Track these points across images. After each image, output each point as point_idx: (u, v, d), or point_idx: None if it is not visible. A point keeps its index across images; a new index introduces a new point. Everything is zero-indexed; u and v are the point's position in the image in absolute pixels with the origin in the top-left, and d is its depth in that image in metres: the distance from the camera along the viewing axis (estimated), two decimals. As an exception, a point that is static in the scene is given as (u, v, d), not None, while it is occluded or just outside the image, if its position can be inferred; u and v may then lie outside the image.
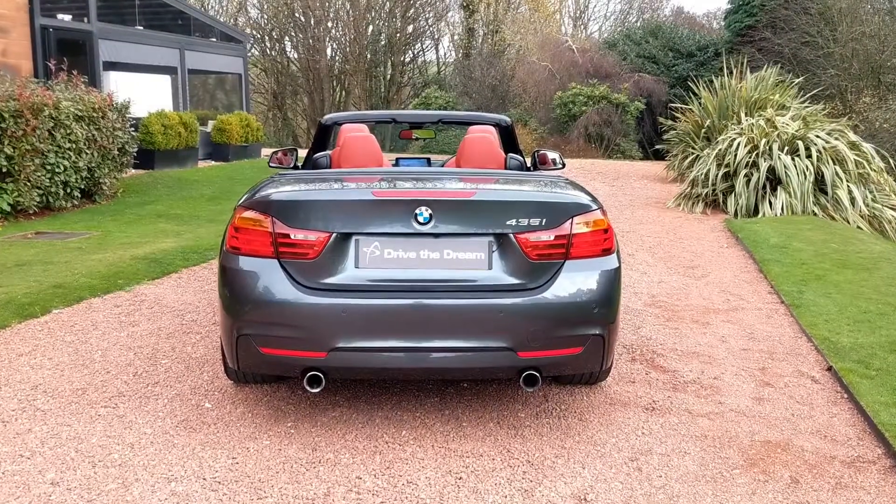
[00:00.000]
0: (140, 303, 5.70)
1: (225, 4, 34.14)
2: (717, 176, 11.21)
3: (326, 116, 5.25)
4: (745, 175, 10.92)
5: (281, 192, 3.37)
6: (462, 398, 3.83)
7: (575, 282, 3.24)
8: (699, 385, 4.09)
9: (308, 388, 3.21)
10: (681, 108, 15.86)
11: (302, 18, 31.97)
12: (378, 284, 3.19)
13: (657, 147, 18.39)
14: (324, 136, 5.25)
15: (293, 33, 32.98)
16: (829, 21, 22.57)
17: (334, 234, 3.19)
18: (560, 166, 5.25)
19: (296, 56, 33.43)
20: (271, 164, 5.15)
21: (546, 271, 3.24)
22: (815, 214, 10.33)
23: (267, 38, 33.41)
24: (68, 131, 10.40)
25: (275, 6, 32.23)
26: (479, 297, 3.18)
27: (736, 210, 10.79)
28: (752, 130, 11.49)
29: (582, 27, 35.17)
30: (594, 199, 3.44)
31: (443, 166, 5.64)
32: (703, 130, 14.44)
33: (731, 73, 14.98)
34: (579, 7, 36.05)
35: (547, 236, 3.24)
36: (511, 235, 3.22)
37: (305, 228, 3.19)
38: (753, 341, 4.90)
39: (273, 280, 3.17)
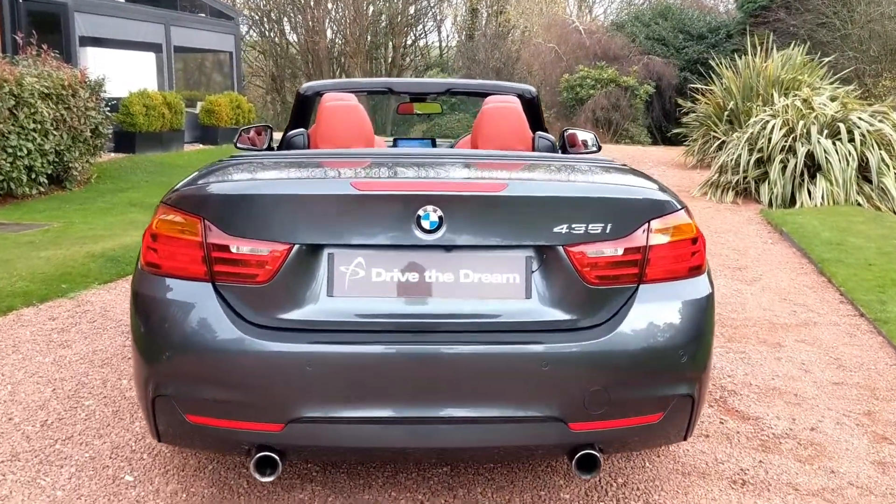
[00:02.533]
0: (81, 315, 4.68)
1: (222, -16, 32.99)
2: (748, 162, 10.16)
3: (305, 85, 4.20)
4: (781, 161, 9.86)
5: (220, 182, 2.35)
6: (481, 471, 2.82)
7: (653, 316, 2.21)
8: (795, 441, 3.07)
9: (257, 474, 2.18)
10: (701, 89, 14.78)
11: None
12: (362, 322, 2.17)
13: (675, 131, 17.34)
14: (303, 110, 4.20)
15: (292, 15, 31.84)
16: (847, 2, 21.58)
17: (297, 247, 2.15)
18: (595, 149, 4.23)
19: (295, 38, 32.34)
20: (238, 145, 4.14)
21: (611, 301, 2.21)
22: (858, 204, 9.29)
23: (265, 19, 32.30)
24: (32, 110, 9.35)
25: (273, -15, 31.10)
26: (513, 340, 2.15)
27: (770, 199, 9.74)
28: (786, 112, 10.42)
29: (587, 10, 33.98)
30: (675, 196, 2.40)
31: (453, 147, 4.59)
32: (727, 113, 13.38)
33: (756, 51, 13.89)
34: (584, -11, 34.86)
35: (612, 249, 2.20)
36: (560, 248, 2.18)
37: (254, 237, 2.15)
38: (844, 371, 3.88)
39: (204, 314, 2.14)
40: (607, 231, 2.20)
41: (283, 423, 2.11)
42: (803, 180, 9.72)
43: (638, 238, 2.23)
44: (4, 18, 11.69)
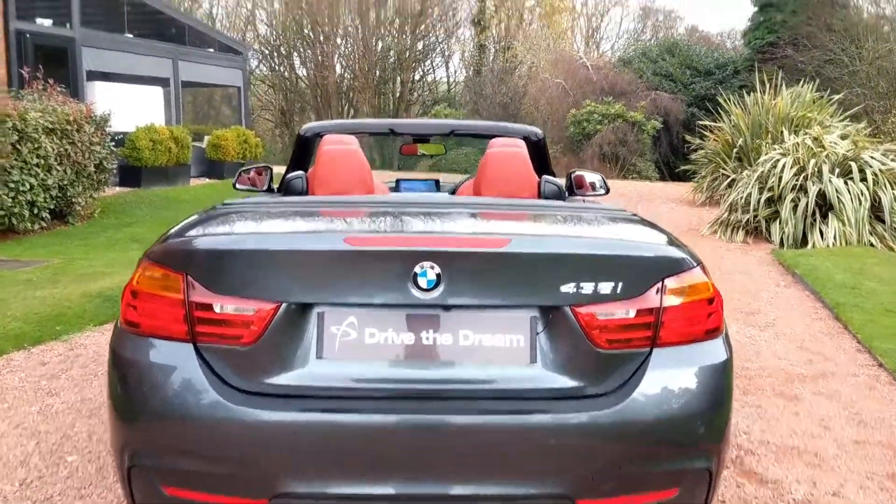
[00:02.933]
0: (73, 359, 4.54)
1: (233, 19, 33.31)
2: (759, 201, 10.01)
3: (306, 126, 4.08)
4: (792, 200, 9.72)
5: (205, 237, 2.21)
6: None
7: (667, 383, 2.05)
8: (818, 508, 2.89)
9: None
10: (709, 125, 14.69)
11: (311, 34, 31.06)
12: (352, 388, 2.01)
13: (683, 168, 17.24)
14: (303, 152, 4.08)
15: (302, 49, 32.09)
16: (854, 38, 21.58)
17: (284, 305, 2.00)
18: (603, 191, 4.10)
19: (304, 73, 32.55)
20: (238, 186, 4.03)
21: (622, 367, 2.05)
22: (872, 245, 9.13)
23: (275, 54, 32.56)
24: (36, 145, 9.30)
25: (283, 22, 31.35)
26: (516, 409, 1.99)
27: (781, 239, 9.58)
28: (797, 150, 10.30)
29: (594, 46, 34.17)
30: (690, 252, 2.26)
31: (455, 192, 4.46)
32: (735, 150, 13.28)
33: (764, 87, 13.82)
34: (591, 26, 35.11)
35: (623, 311, 2.05)
36: (567, 309, 2.03)
37: (239, 295, 2.01)
38: (865, 428, 3.70)
39: (185, 378, 1.99)
40: (618, 291, 2.05)
41: (266, 498, 1.95)
42: (815, 220, 9.57)
43: (651, 298, 2.07)
44: (11, 53, 11.71)
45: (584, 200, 3.81)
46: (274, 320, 1.99)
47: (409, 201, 2.67)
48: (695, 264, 2.18)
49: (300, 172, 3.57)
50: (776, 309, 6.18)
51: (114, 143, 11.27)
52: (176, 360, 2.02)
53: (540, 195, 3.41)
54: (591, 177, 4.16)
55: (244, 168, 4.17)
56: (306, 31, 31.22)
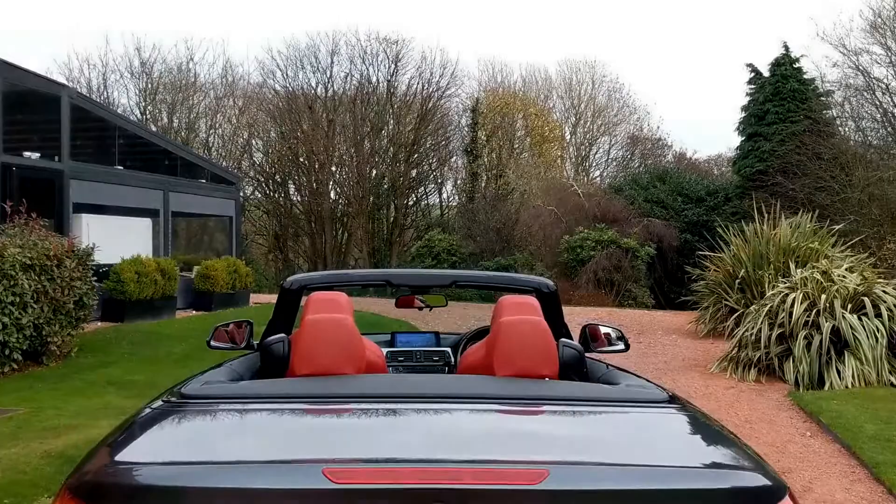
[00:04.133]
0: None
1: (230, 148, 33.74)
2: (769, 338, 9.56)
3: (291, 279, 3.63)
4: (805, 337, 9.27)
5: (139, 465, 1.72)
6: None
7: None
8: None
9: None
10: (710, 255, 14.44)
11: (306, 163, 31.39)
12: None
13: (684, 298, 16.90)
14: (287, 308, 3.62)
15: (296, 177, 32.37)
16: (844, 166, 21.82)
17: None
18: (621, 346, 3.66)
19: (298, 198, 32.71)
20: (213, 345, 3.58)
21: None
22: (892, 385, 8.63)
23: (270, 181, 32.80)
24: (12, 283, 8.87)
25: (279, 150, 31.74)
26: None
27: (796, 378, 9.08)
28: (805, 284, 9.94)
29: (584, 173, 34.63)
30: (777, 475, 1.78)
31: (463, 351, 3.99)
32: (738, 281, 12.96)
33: (763, 217, 13.65)
34: (580, 154, 35.70)
35: None
36: None
37: None
38: None
39: None
40: None
41: None
42: (830, 358, 9.10)
43: None
44: (-4, 186, 11.47)
45: (605, 367, 3.35)
46: None
47: (408, 392, 2.19)
48: (785, 492, 1.70)
49: (282, 336, 3.12)
50: (808, 467, 5.62)
51: (97, 276, 10.88)
52: None
53: (560, 363, 2.94)
54: (605, 328, 3.73)
55: (219, 325, 3.72)
56: (301, 159, 31.55)
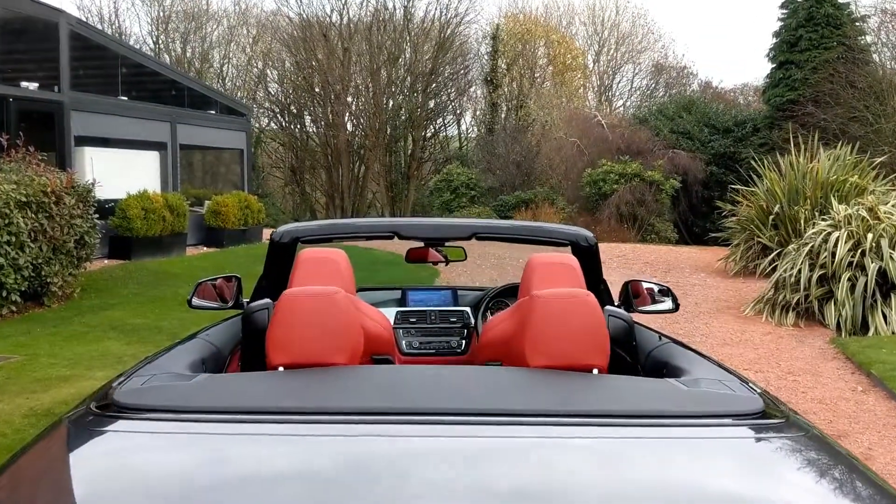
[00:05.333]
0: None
1: (245, 78, 32.92)
2: (810, 279, 8.96)
3: (282, 229, 3.05)
4: (849, 279, 8.67)
5: None
6: None
7: None
8: None
9: None
10: (741, 190, 13.75)
11: (321, 93, 30.54)
12: None
13: (713, 235, 16.27)
14: (277, 266, 3.05)
15: (312, 108, 31.56)
16: (879, 95, 20.82)
17: None
18: (670, 307, 3.11)
19: (315, 130, 31.98)
20: (194, 304, 3.09)
21: None
22: (943, 330, 8.06)
23: (286, 112, 32.04)
24: (7, 221, 8.39)
25: (294, 81, 30.90)
26: None
27: (838, 322, 8.51)
28: (849, 222, 9.28)
29: (606, 103, 33.58)
30: None
31: (485, 313, 3.42)
32: (772, 217, 12.30)
33: (799, 150, 12.91)
34: (603, 83, 34.59)
35: None
36: None
37: None
38: None
39: None
40: None
41: None
42: (875, 301, 8.51)
43: None
44: (-8, 118, 10.92)
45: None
46: None
47: (413, 406, 1.62)
48: None
49: (266, 303, 2.57)
50: (864, 429, 5.09)
51: (104, 212, 10.40)
52: None
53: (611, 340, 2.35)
54: (648, 284, 3.17)
55: (205, 280, 3.20)
56: (317, 90, 30.72)
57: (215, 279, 3.19)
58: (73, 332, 8.07)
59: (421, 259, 3.38)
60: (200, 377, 1.83)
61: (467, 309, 3.56)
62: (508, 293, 3.47)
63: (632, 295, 3.11)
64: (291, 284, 2.51)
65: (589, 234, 3.08)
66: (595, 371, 2.02)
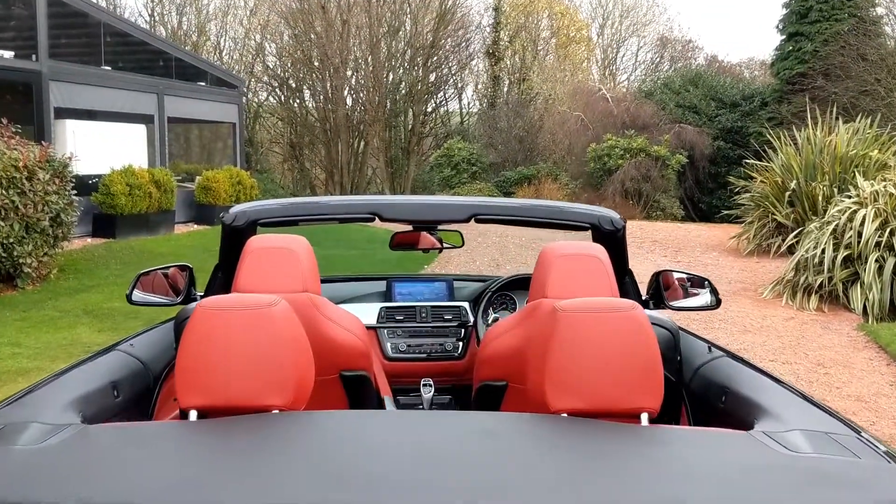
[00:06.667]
0: None
1: (242, 51, 32.13)
2: (834, 260, 8.38)
3: (235, 209, 2.47)
4: (876, 260, 8.09)
5: None
6: None
7: None
8: None
9: None
10: (755, 165, 13.14)
11: (320, 67, 29.76)
12: None
13: (725, 212, 15.68)
14: (237, 253, 2.47)
15: (311, 82, 30.81)
16: (891, 68, 20.19)
17: None
18: (709, 302, 2.53)
19: (314, 105, 31.23)
20: (135, 299, 2.54)
21: None
22: (978, 316, 7.49)
23: (284, 86, 31.28)
24: (-27, 198, 7.83)
25: (292, 54, 30.12)
26: None
27: (864, 307, 7.95)
28: (875, 199, 8.69)
29: (611, 77, 32.84)
30: None
31: (486, 310, 2.84)
32: (788, 194, 11.70)
33: (817, 123, 12.32)
34: (608, 57, 33.83)
35: None
36: None
37: None
38: None
39: None
40: None
41: None
42: (904, 284, 7.94)
43: None
44: (-35, 89, 10.30)
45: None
46: None
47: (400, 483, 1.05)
48: None
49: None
50: (914, 433, 4.53)
51: (87, 189, 9.80)
52: None
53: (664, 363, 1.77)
54: (679, 273, 2.60)
55: (152, 269, 2.64)
56: (315, 63, 29.95)
57: (167, 268, 2.66)
58: (44, 316, 7.51)
59: (410, 245, 2.79)
60: (56, 437, 1.25)
61: (465, 304, 2.99)
62: (514, 285, 2.90)
63: (663, 287, 2.54)
64: (236, 284, 1.93)
65: (615, 215, 2.49)
66: (644, 418, 1.43)
